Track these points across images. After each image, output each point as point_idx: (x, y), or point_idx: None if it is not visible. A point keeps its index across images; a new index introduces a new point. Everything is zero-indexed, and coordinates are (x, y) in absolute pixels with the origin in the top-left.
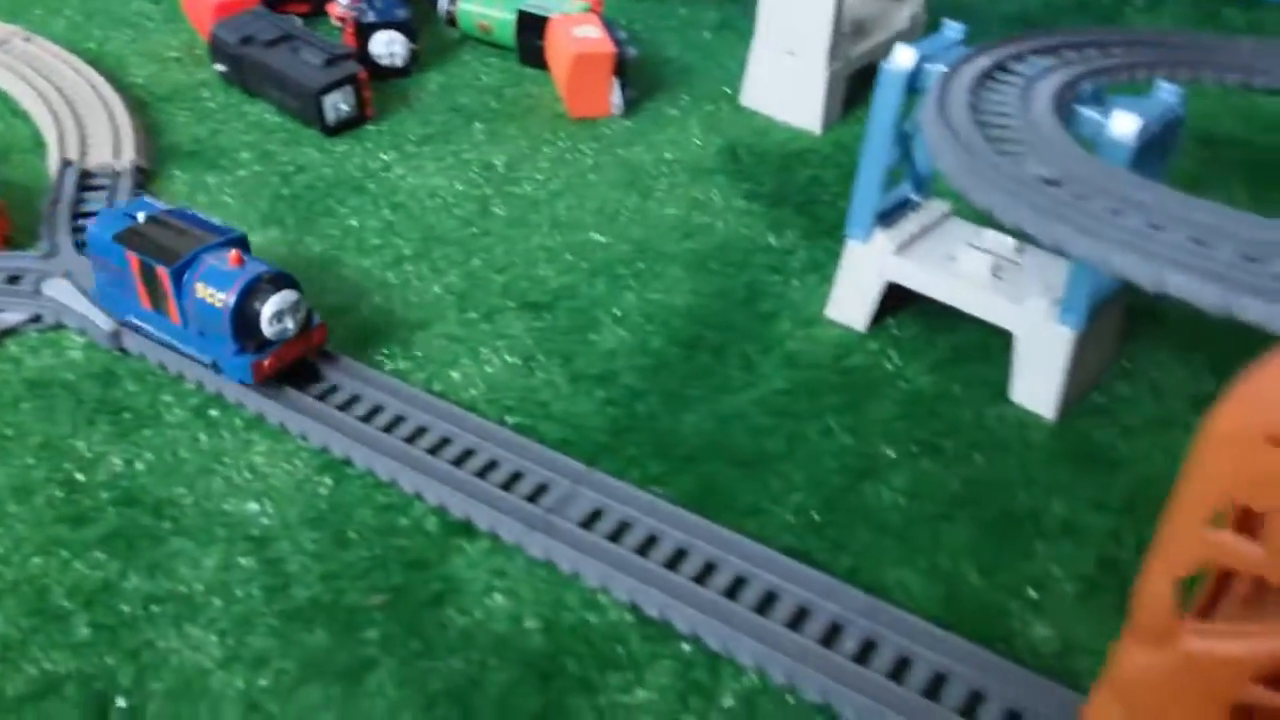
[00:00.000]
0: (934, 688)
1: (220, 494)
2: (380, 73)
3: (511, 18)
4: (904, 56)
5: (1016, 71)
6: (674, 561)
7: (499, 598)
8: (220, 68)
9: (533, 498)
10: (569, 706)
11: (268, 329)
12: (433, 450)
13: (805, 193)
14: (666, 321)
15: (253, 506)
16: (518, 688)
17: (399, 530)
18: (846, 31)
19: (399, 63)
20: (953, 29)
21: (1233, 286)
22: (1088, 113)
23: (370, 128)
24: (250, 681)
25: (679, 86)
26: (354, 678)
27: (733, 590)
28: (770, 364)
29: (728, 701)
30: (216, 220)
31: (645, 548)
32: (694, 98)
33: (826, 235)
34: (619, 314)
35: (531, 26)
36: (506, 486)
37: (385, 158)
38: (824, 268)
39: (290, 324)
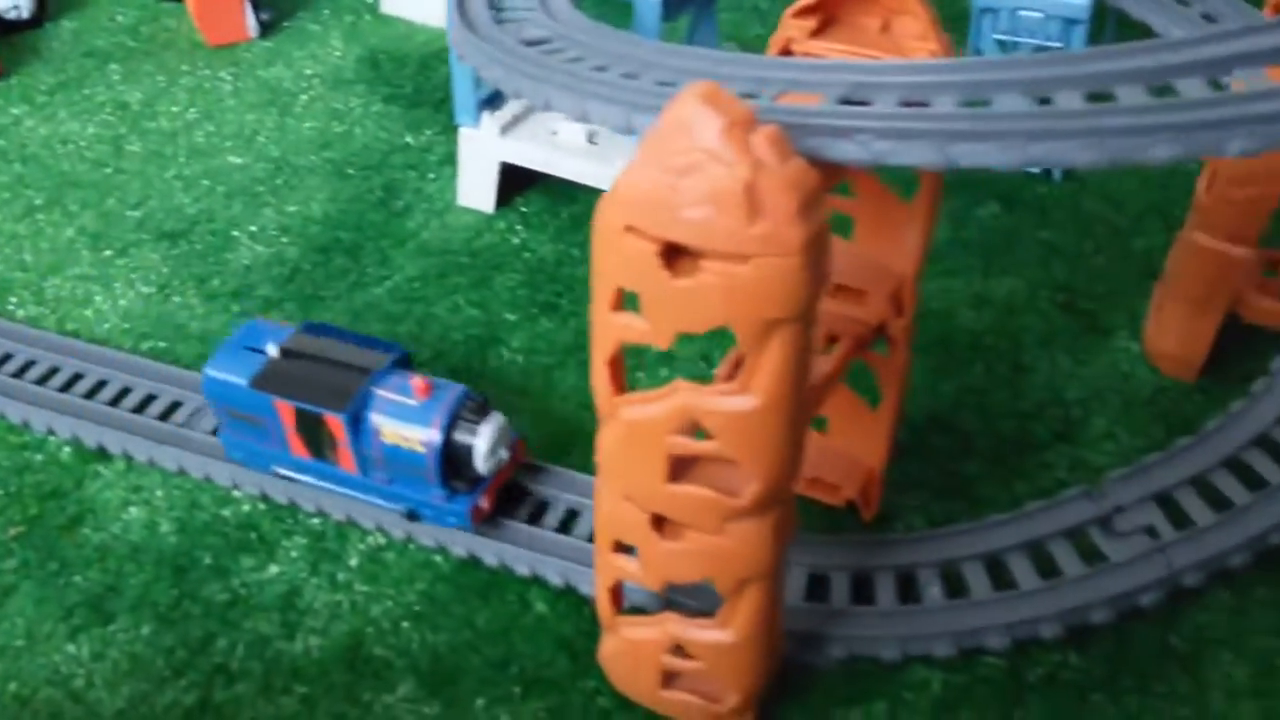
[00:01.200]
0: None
1: None
2: (10, 28)
3: None
4: None
5: None
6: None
7: (135, 511)
8: None
9: (164, 416)
10: (203, 592)
11: (483, 466)
12: (64, 388)
13: (444, 89)
14: (302, 231)
15: None
16: (153, 585)
17: (33, 466)
18: None
19: (25, 15)
20: None
21: None
22: None
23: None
24: None
25: (321, 1)
26: None
27: None
28: (404, 256)
29: (354, 560)
30: (358, 334)
31: None
32: (335, 10)
33: None
34: (255, 230)
35: None
36: (139, 410)
37: (15, 112)
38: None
39: (504, 453)
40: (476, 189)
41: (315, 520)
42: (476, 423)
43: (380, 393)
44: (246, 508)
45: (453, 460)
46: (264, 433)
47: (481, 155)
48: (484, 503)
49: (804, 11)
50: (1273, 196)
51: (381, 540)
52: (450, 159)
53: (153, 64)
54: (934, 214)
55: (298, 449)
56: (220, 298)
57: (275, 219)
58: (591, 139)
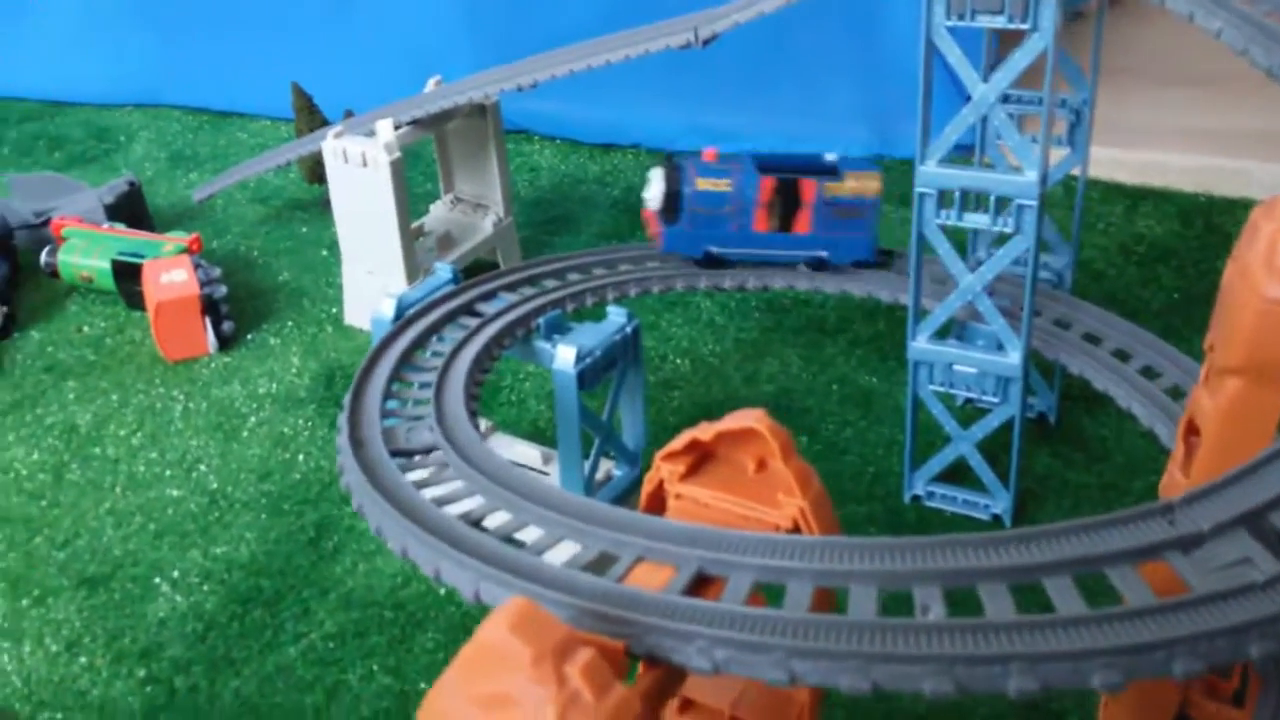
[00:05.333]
0: None
1: None
2: None
3: (109, 266)
4: (385, 306)
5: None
6: None
7: None
8: None
9: None
10: None
11: None
12: None
13: None
14: (224, 579)
15: None
16: None
17: None
18: (431, 246)
19: None
20: (444, 269)
21: None
22: (542, 344)
23: None
24: None
25: (287, 312)
26: None
27: None
28: (326, 609)
29: None
30: None
31: None
32: (299, 322)
33: None
34: (177, 577)
35: (127, 274)
36: None
37: None
38: None
39: None
40: None
41: None
42: None
43: None
44: None
45: None
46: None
47: None
48: None
49: (673, 455)
50: None
51: None
52: None
53: (109, 380)
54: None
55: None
56: (128, 659)
57: (200, 563)
58: (547, 463)
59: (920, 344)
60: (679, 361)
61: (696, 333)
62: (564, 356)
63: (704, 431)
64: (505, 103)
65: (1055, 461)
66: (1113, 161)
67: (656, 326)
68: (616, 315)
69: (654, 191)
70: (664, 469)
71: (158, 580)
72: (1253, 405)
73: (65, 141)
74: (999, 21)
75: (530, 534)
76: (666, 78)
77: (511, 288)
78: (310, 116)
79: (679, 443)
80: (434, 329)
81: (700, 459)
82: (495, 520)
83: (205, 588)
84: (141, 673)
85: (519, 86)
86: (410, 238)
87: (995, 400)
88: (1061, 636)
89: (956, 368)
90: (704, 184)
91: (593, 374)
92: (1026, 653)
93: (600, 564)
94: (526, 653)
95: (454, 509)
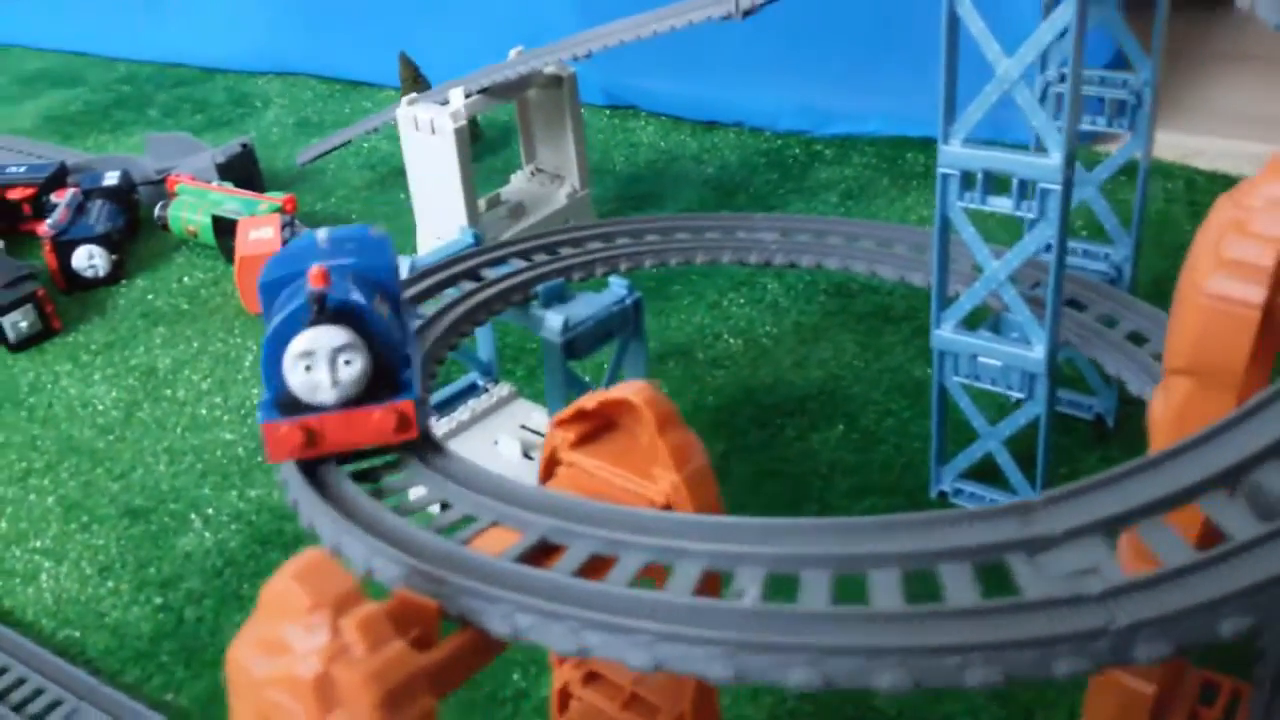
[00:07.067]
0: None
1: None
2: (86, 284)
3: (210, 221)
4: (400, 266)
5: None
6: None
7: None
8: None
9: (43, 715)
10: None
11: (291, 377)
12: None
13: None
14: (252, 519)
15: None
16: None
17: None
18: (503, 215)
19: (101, 274)
20: (466, 234)
21: None
22: (537, 312)
23: (58, 340)
24: None
25: None
26: None
27: None
28: None
29: None
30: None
31: None
32: None
33: None
34: (210, 514)
35: (226, 230)
36: (19, 707)
37: (59, 369)
38: None
39: (323, 378)
40: None
41: None
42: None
43: None
44: None
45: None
46: None
47: None
48: (288, 430)
49: (563, 423)
50: None
51: None
52: None
53: (195, 328)
54: None
55: None
56: (149, 586)
57: (234, 504)
58: (528, 452)
59: (944, 333)
60: (732, 341)
61: (757, 313)
62: (551, 325)
63: (589, 400)
64: (613, 79)
65: (1105, 466)
66: (1239, 154)
67: (718, 305)
68: (617, 287)
69: None
70: (556, 435)
71: (193, 516)
72: (1201, 408)
73: (207, 105)
74: None
75: (415, 493)
76: (772, 56)
77: (525, 254)
78: (415, 85)
79: (568, 410)
80: (430, 292)
81: (601, 428)
82: (387, 478)
83: (234, 527)
84: (158, 600)
85: (574, 56)
86: (475, 204)
87: (1022, 396)
88: (853, 632)
89: (982, 360)
90: None
91: (583, 344)
92: (817, 645)
93: (462, 526)
94: (305, 601)
95: (351, 465)
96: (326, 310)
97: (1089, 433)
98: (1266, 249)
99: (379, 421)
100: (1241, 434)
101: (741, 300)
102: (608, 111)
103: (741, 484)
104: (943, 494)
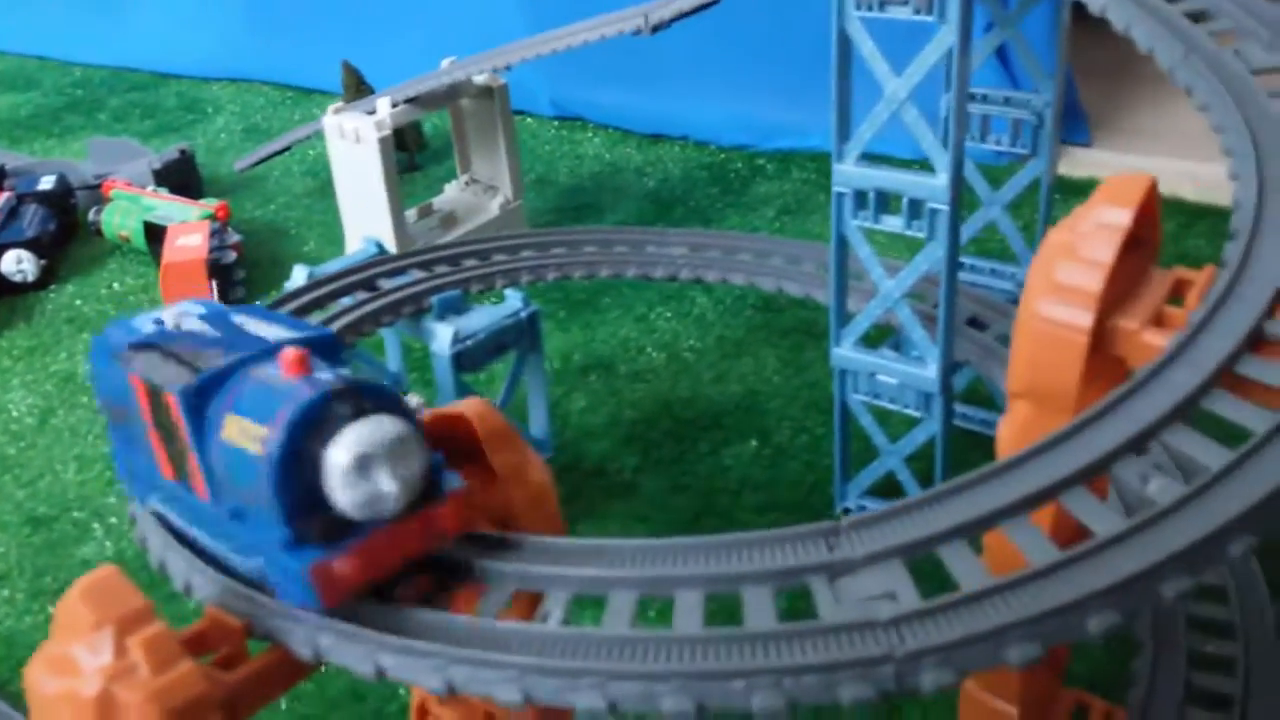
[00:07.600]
0: None
1: None
2: (14, 289)
3: (142, 227)
4: (298, 275)
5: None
6: None
7: None
8: None
9: None
10: None
11: (344, 494)
12: None
13: None
14: None
15: None
16: None
17: None
18: (434, 225)
19: (30, 278)
20: (369, 244)
21: None
22: (428, 324)
23: None
24: None
25: None
26: None
27: None
28: None
29: None
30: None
31: None
32: None
33: None
34: (113, 523)
35: (157, 236)
36: None
37: None
38: None
39: (390, 485)
40: None
41: None
42: (345, 422)
43: (250, 371)
44: None
45: (298, 477)
46: (136, 440)
47: None
48: (341, 567)
49: None
50: None
51: None
52: None
53: None
54: None
55: (165, 466)
56: (43, 596)
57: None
58: None
59: (843, 351)
60: (655, 354)
61: (682, 327)
62: (441, 337)
63: (426, 415)
64: (561, 91)
65: None
66: (1182, 175)
67: (645, 319)
68: (513, 300)
69: None
70: None
71: (95, 525)
72: (1040, 431)
73: (158, 111)
74: (905, 12)
75: None
76: (719, 70)
77: (426, 265)
78: (359, 93)
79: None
80: (320, 302)
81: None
82: None
83: (133, 535)
84: (51, 609)
85: (494, 68)
86: (400, 213)
87: (919, 414)
88: (643, 656)
89: (880, 378)
90: None
91: (474, 357)
92: (605, 669)
93: None
94: (90, 620)
95: None
96: (365, 398)
97: None
98: (1094, 273)
99: (448, 516)
100: (1049, 460)
101: (669, 314)
102: (555, 123)
103: (650, 499)
104: (846, 510)
